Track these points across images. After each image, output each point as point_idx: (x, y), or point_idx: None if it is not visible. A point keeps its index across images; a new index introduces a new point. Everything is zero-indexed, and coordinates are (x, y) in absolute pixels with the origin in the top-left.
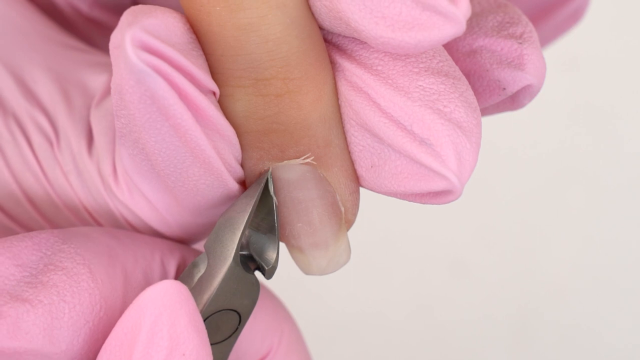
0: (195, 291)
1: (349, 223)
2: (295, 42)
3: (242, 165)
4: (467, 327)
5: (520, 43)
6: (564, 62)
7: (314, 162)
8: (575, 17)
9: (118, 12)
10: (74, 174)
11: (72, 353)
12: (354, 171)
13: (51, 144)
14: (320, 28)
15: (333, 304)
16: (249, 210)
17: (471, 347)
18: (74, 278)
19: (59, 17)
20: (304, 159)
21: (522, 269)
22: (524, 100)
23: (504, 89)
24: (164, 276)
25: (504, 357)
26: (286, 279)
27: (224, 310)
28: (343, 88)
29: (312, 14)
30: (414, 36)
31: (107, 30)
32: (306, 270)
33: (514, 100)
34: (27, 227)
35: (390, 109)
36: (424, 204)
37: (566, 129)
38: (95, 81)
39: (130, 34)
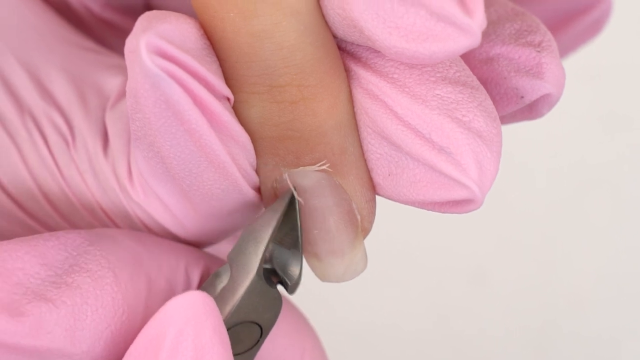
0: (218, 302)
1: (366, 231)
2: (310, 50)
3: (257, 172)
4: (484, 338)
5: (539, 51)
6: (586, 71)
7: (330, 169)
8: (596, 27)
9: (129, 13)
10: (89, 173)
11: (94, 354)
12: (370, 179)
13: (67, 143)
14: (334, 36)
15: (348, 314)
16: (274, 224)
17: (488, 358)
18: (98, 281)
19: (73, 18)
20: (320, 166)
21: (542, 279)
22: (543, 110)
23: (522, 97)
24: (187, 285)
25: None
26: (301, 289)
27: (245, 322)
28: (359, 96)
29: (326, 22)
30: (429, 47)
31: (119, 31)
32: (323, 278)
33: (532, 109)
34: (44, 224)
35: (408, 117)
36: (443, 212)
37: (589, 140)
38: (110, 83)
39: (145, 39)
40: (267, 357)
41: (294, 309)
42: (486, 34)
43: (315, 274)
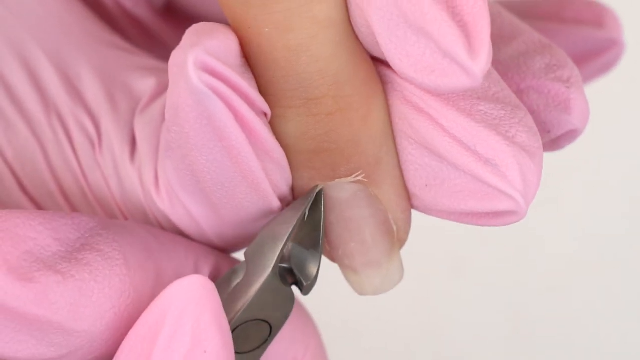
0: (231, 298)
1: (402, 242)
2: (345, 60)
3: (293, 186)
4: (465, 327)
5: (568, 87)
6: None
7: (365, 180)
8: (604, 69)
9: (159, 11)
10: (114, 178)
11: (93, 335)
12: (406, 189)
13: (93, 146)
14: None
15: (329, 309)
16: (293, 223)
17: (470, 347)
18: (108, 262)
19: (103, 13)
20: (355, 176)
21: (517, 268)
22: (564, 144)
23: (549, 131)
24: None
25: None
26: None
27: (256, 320)
28: (403, 107)
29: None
30: (434, 80)
31: (147, 31)
32: (360, 291)
33: (554, 143)
34: None
35: (454, 129)
36: (481, 225)
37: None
38: (141, 85)
39: (194, 55)
40: (271, 350)
41: (302, 307)
42: (517, 66)
43: (353, 288)
